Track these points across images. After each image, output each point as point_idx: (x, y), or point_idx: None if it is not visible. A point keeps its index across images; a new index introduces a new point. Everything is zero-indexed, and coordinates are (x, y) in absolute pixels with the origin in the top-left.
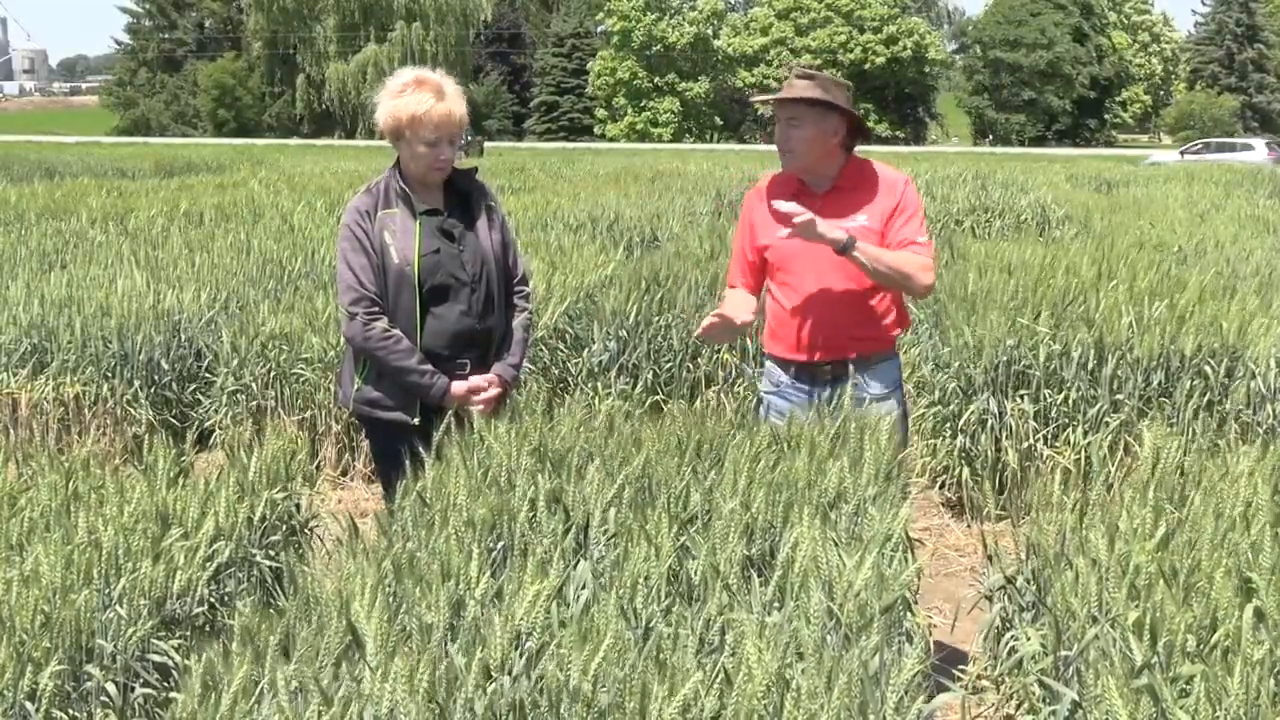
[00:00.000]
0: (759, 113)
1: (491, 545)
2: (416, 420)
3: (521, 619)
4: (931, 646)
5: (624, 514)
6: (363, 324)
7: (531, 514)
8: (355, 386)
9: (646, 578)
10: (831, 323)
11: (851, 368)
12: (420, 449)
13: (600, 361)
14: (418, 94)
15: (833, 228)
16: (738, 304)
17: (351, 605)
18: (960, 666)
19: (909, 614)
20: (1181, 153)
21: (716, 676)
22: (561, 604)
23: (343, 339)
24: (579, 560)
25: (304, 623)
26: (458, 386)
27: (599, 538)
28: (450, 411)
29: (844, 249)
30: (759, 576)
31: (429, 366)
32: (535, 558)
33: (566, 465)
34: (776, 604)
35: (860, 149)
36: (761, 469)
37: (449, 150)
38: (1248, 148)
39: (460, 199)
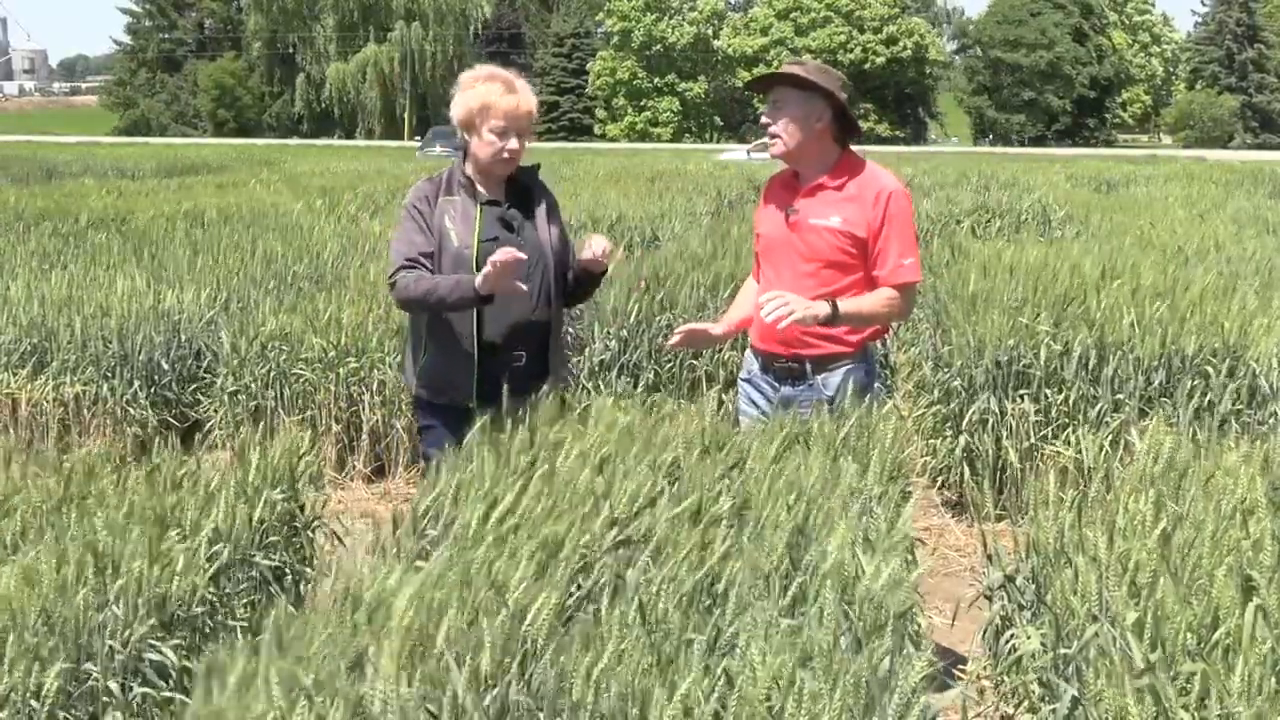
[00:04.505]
0: (757, 112)
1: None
2: (474, 404)
3: (532, 624)
4: (932, 647)
5: (665, 521)
6: (400, 281)
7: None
8: (417, 368)
9: (675, 579)
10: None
11: (809, 368)
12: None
13: (601, 361)
14: (489, 85)
15: (811, 305)
16: (738, 303)
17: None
18: (960, 666)
19: (913, 615)
20: (748, 151)
21: (719, 678)
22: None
23: (399, 322)
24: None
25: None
26: (488, 267)
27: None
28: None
29: (831, 319)
30: (781, 580)
31: (454, 276)
32: (573, 565)
33: (611, 466)
34: (800, 609)
35: (860, 149)
36: (778, 471)
37: (517, 142)
38: None
39: (521, 193)
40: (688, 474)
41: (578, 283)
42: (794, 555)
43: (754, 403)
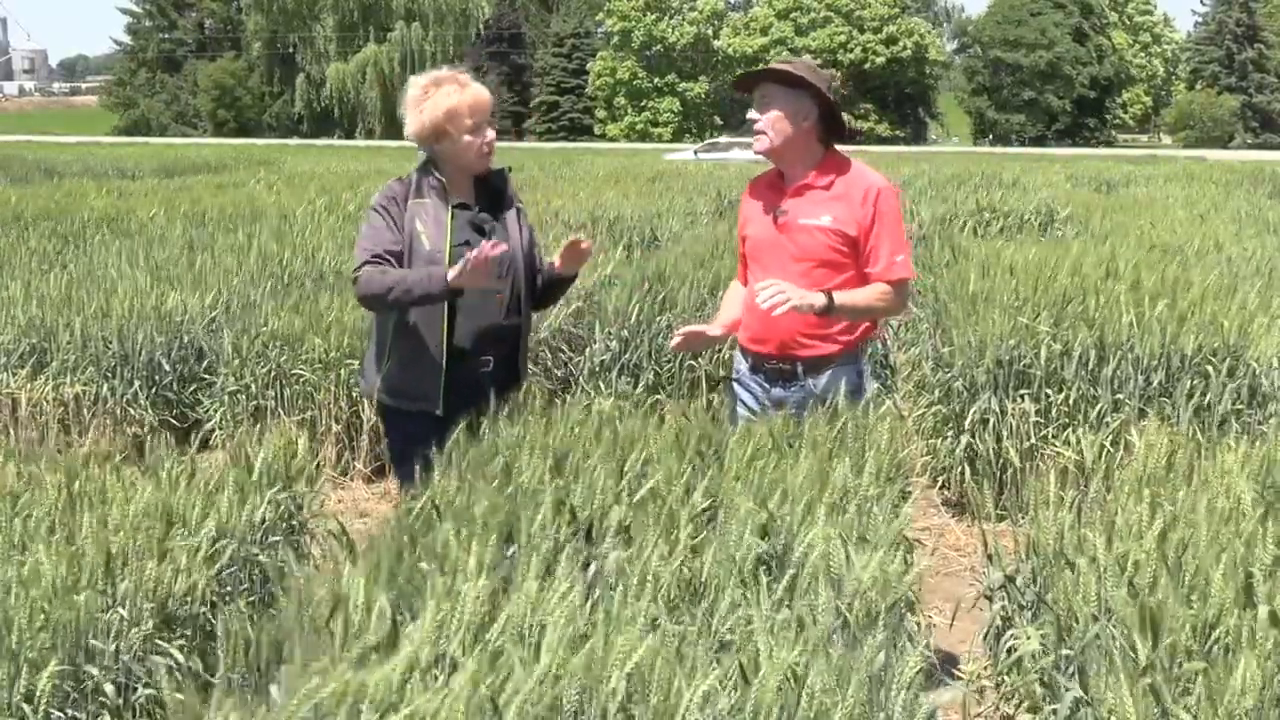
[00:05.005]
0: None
1: (501, 548)
2: (440, 412)
3: (552, 615)
4: (932, 646)
5: (627, 513)
6: (364, 275)
7: (539, 515)
8: (379, 376)
9: (656, 578)
10: (784, 320)
11: (800, 369)
12: (436, 448)
13: (602, 361)
14: (442, 90)
15: (807, 294)
16: (726, 305)
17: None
18: (960, 666)
19: (910, 613)
20: (695, 151)
21: (732, 673)
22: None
23: (370, 330)
24: (590, 561)
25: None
26: (461, 263)
27: (607, 537)
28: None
29: (826, 310)
30: (768, 575)
31: (424, 268)
32: (540, 556)
33: (572, 465)
34: (786, 603)
35: (860, 149)
36: (761, 468)
37: (491, 133)
38: (748, 146)
39: (491, 196)
40: (654, 467)
41: (547, 286)
42: (781, 551)
43: (743, 403)
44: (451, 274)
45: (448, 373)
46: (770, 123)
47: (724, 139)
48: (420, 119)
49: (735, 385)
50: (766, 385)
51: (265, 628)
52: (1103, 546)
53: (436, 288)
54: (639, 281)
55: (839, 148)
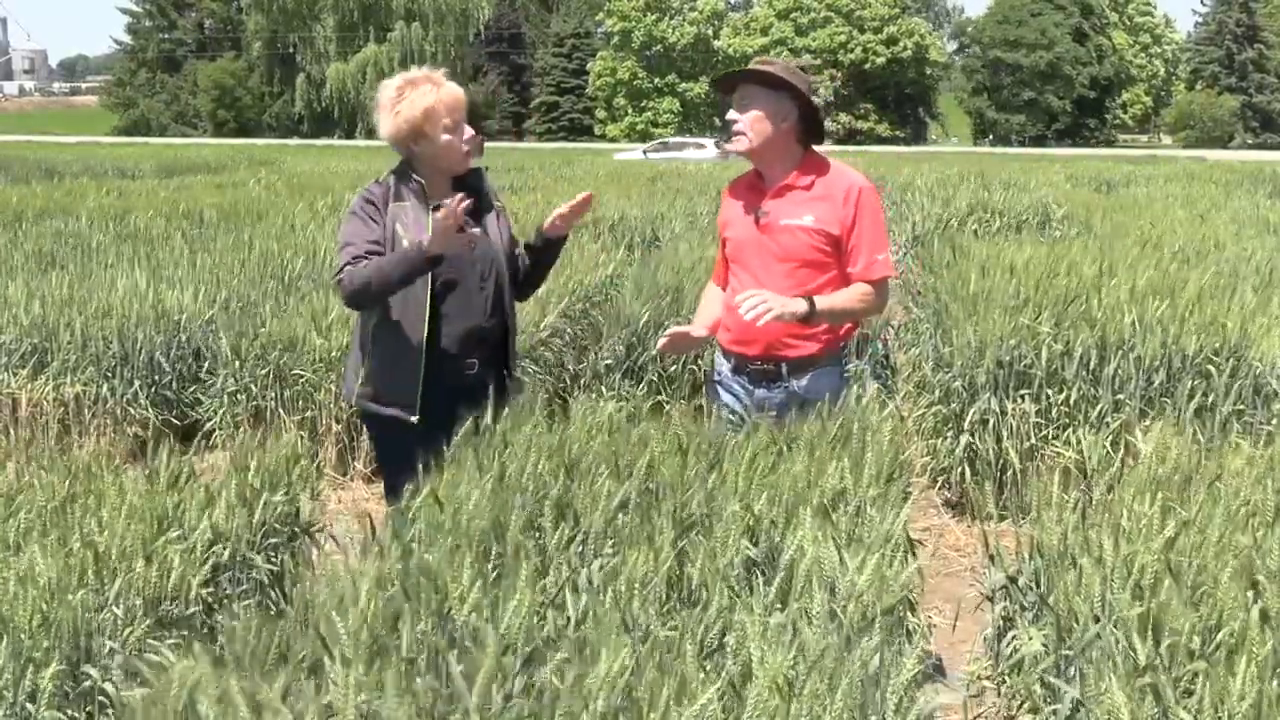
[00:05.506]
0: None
1: (493, 555)
2: (415, 419)
3: (513, 626)
4: (932, 647)
5: (629, 518)
6: (346, 275)
7: (534, 522)
8: (359, 381)
9: (644, 582)
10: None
11: (784, 369)
12: (422, 451)
13: (607, 364)
14: (418, 90)
15: (789, 303)
16: (705, 306)
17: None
18: (961, 667)
19: (909, 614)
20: (644, 151)
21: (721, 683)
22: (559, 612)
23: (351, 335)
24: (580, 567)
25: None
26: (436, 225)
27: (602, 543)
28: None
29: (809, 316)
30: (762, 578)
31: (399, 250)
32: (529, 565)
33: (579, 470)
34: (779, 606)
35: (860, 149)
36: (760, 470)
37: (469, 130)
38: (700, 146)
39: (469, 197)
40: (659, 473)
41: (535, 262)
42: (771, 555)
43: (726, 405)
44: (425, 241)
45: (432, 377)
46: (750, 123)
47: (674, 139)
48: (397, 120)
49: (717, 387)
50: (750, 386)
51: (270, 630)
52: (1110, 548)
53: (414, 262)
54: (656, 291)
55: (816, 149)
